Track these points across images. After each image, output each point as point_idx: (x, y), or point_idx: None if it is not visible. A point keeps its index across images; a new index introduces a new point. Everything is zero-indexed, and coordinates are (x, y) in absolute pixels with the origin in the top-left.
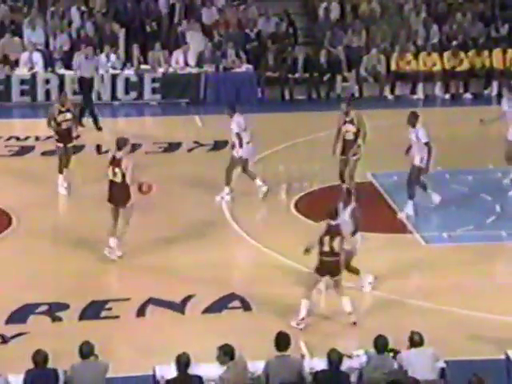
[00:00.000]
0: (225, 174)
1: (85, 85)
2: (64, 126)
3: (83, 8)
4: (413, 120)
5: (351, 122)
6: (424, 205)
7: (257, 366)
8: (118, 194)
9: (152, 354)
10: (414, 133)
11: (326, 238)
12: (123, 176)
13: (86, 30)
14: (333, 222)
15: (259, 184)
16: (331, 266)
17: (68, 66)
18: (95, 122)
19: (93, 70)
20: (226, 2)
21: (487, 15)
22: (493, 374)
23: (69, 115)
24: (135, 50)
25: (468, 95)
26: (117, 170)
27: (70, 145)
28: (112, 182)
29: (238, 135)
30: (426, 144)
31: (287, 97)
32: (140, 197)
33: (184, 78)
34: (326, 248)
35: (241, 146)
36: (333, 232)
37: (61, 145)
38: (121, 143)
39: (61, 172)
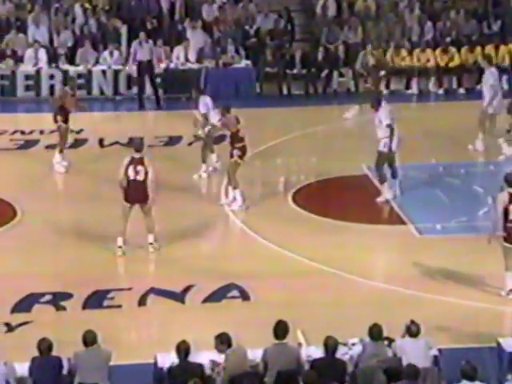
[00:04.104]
0: (201, 153)
1: None
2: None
3: (87, 5)
4: (375, 104)
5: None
6: (421, 197)
7: (255, 354)
8: (141, 192)
9: (153, 342)
10: (376, 117)
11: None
12: (146, 174)
13: (89, 27)
14: None
15: (208, 167)
16: None
17: (71, 62)
18: None
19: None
20: None
21: (480, 12)
22: (484, 361)
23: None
24: None
25: (461, 90)
26: (139, 167)
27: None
28: (134, 181)
29: (205, 115)
30: (388, 126)
31: (285, 92)
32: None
33: (184, 73)
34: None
35: (206, 125)
36: None
37: (66, 125)
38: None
39: (61, 151)
